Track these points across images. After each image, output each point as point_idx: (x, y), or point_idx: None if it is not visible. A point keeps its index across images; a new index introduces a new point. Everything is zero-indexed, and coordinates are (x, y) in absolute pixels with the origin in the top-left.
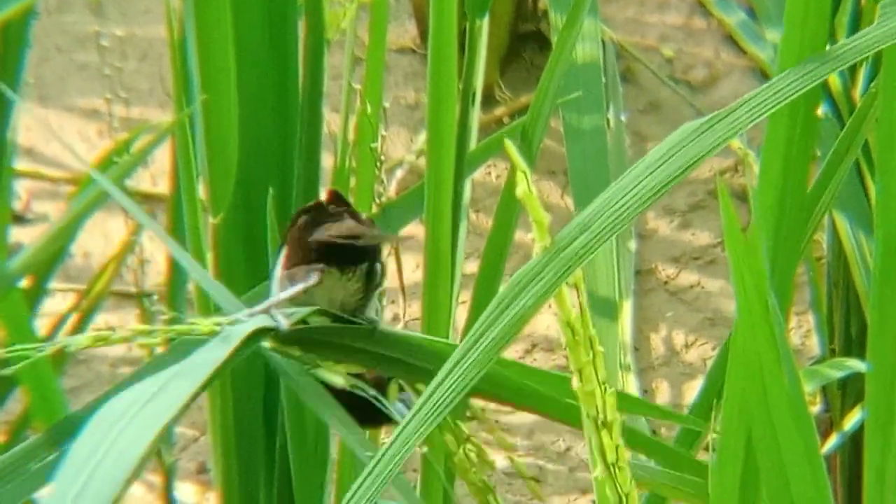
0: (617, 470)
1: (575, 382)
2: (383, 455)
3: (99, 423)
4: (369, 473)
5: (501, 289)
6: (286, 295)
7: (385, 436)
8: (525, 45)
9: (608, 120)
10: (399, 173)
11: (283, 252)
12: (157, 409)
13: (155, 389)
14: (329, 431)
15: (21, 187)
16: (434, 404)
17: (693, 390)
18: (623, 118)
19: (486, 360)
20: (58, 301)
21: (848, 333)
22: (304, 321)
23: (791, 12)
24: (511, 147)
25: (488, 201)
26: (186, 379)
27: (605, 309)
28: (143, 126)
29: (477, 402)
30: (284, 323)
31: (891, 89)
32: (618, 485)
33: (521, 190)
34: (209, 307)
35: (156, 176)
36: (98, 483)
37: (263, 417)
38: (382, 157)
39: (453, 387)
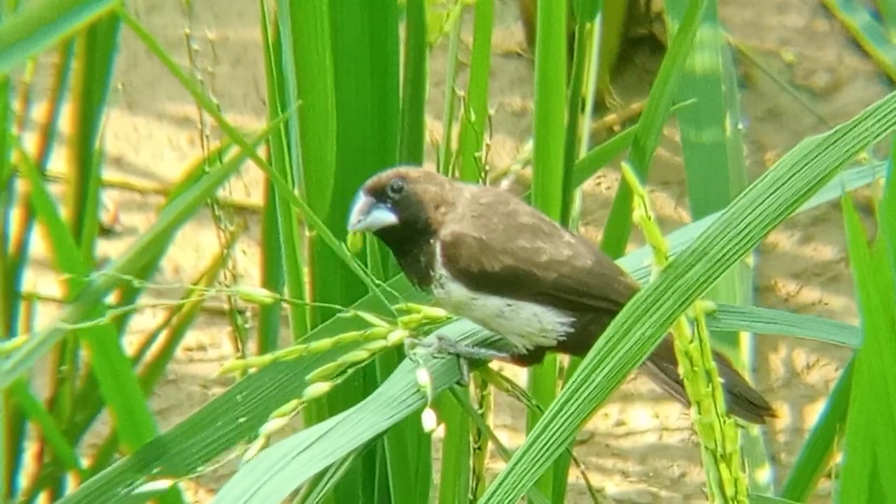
0: None
1: (693, 414)
2: (497, 488)
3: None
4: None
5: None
6: (487, 354)
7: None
8: (637, 50)
9: (725, 128)
10: (504, 184)
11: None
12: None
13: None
14: (430, 457)
15: (109, 198)
16: (544, 442)
17: (814, 413)
18: (741, 126)
19: (598, 396)
20: (147, 318)
21: None
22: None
23: None
24: (628, 170)
25: (598, 213)
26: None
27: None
28: (237, 134)
29: (588, 427)
30: (467, 376)
31: None
32: None
33: (637, 214)
34: (305, 326)
35: (249, 186)
36: None
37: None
38: (487, 167)
39: (563, 425)
